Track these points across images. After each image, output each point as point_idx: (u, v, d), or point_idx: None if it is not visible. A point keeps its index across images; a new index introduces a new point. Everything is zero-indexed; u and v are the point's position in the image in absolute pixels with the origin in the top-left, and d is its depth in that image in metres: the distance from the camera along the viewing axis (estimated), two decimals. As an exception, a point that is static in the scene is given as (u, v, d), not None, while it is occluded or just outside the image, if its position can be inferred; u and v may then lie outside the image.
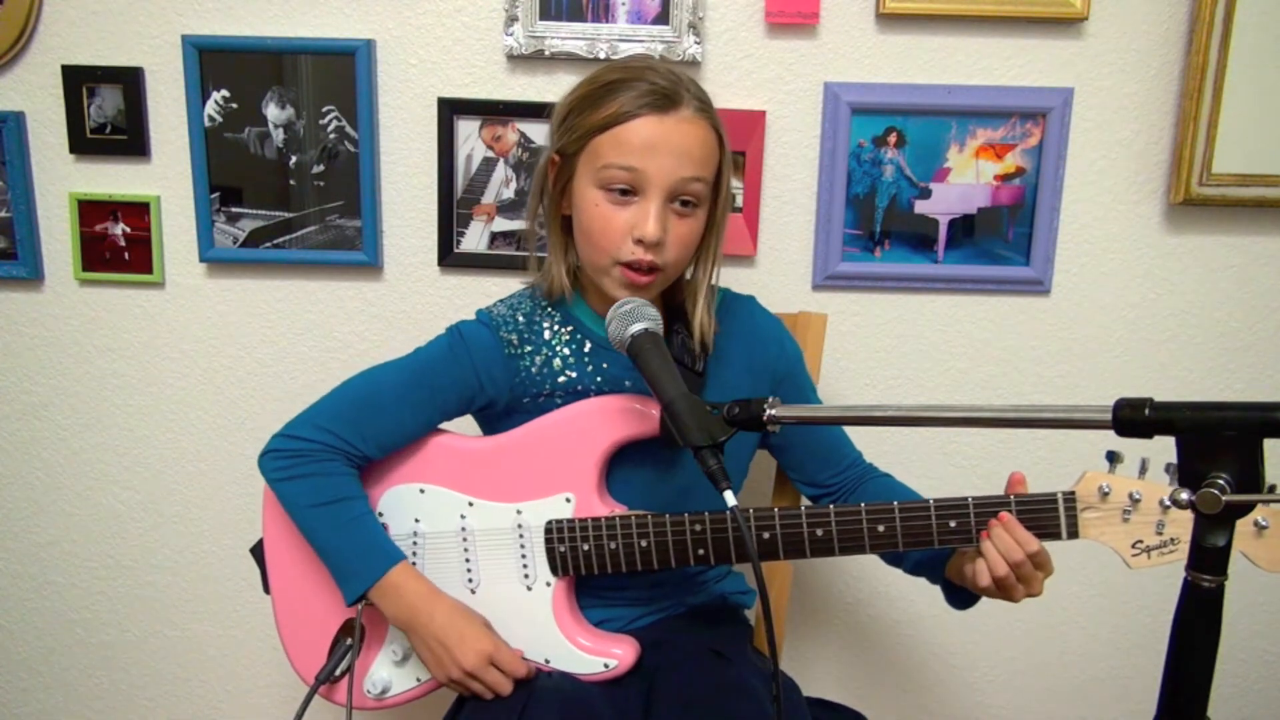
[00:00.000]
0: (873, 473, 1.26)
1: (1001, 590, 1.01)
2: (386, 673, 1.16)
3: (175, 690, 1.74)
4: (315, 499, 1.10)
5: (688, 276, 1.17)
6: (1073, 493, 1.00)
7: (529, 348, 1.15)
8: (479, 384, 1.14)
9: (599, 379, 1.15)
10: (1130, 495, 0.98)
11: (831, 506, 1.04)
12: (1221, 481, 0.66)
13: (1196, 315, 1.58)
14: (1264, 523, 0.94)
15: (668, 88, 1.05)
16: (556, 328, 1.16)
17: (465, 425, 1.21)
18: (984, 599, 1.07)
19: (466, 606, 1.12)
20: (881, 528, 1.03)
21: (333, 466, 1.11)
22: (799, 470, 1.26)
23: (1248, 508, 0.67)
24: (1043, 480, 1.02)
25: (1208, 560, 0.68)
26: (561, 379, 1.15)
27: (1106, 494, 0.98)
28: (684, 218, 1.08)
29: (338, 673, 1.15)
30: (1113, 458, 0.98)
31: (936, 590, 1.15)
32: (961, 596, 1.11)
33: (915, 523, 1.02)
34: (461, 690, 1.11)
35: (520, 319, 1.16)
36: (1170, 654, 0.71)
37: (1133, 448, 0.93)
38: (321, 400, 1.15)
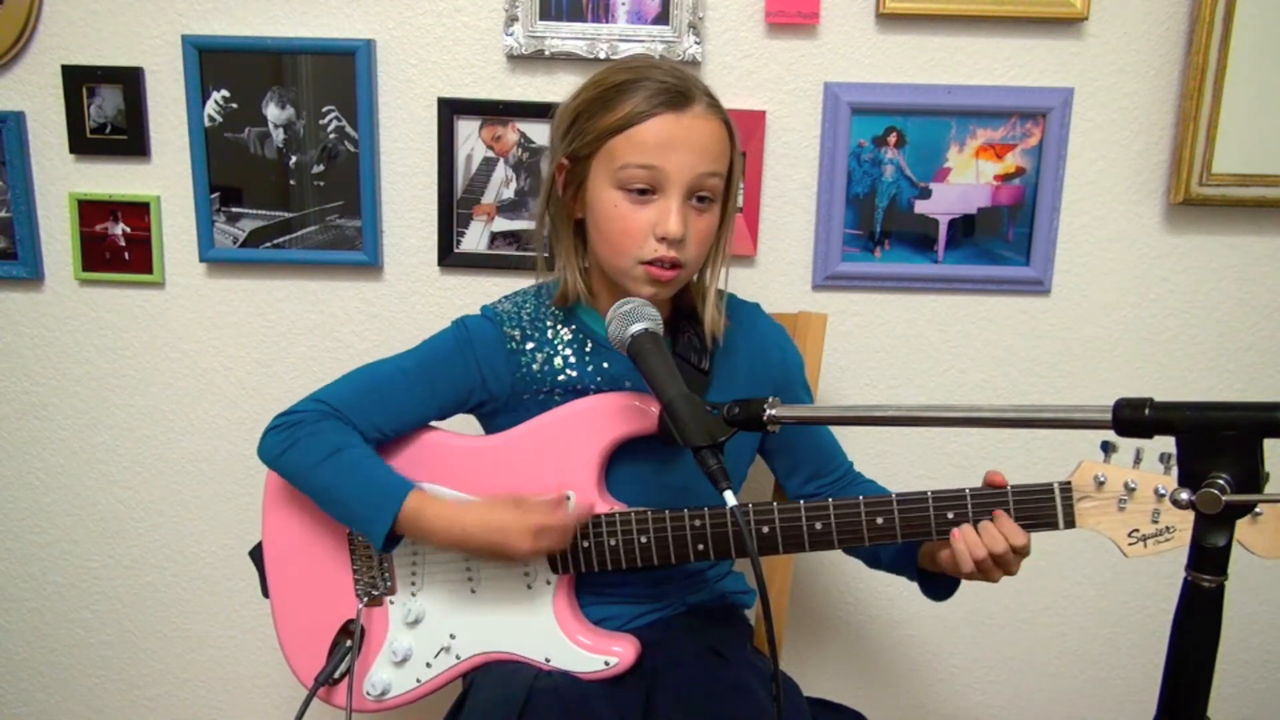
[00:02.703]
0: (859, 479, 1.27)
1: (980, 573, 1.02)
2: (386, 674, 1.16)
3: (175, 690, 1.74)
4: (316, 456, 1.09)
5: (694, 276, 1.17)
6: (1069, 483, 1.00)
7: (531, 345, 1.15)
8: (481, 378, 1.14)
9: (599, 378, 1.15)
10: (1126, 484, 0.98)
11: (830, 500, 1.05)
12: (1221, 481, 0.66)
13: (1196, 315, 1.58)
14: (1258, 510, 0.95)
15: (679, 85, 1.05)
16: (559, 327, 1.16)
17: (465, 424, 1.21)
18: (964, 588, 1.08)
19: (489, 499, 1.09)
20: (880, 520, 1.03)
21: (327, 424, 1.11)
22: (790, 477, 1.27)
23: (1248, 508, 0.67)
24: (1043, 481, 1.02)
25: (1208, 560, 0.68)
26: (562, 377, 1.15)
27: (1102, 483, 0.99)
28: (702, 213, 1.08)
29: (337, 675, 1.15)
30: (1107, 448, 0.98)
31: (936, 590, 1.15)
32: (937, 587, 1.12)
33: (913, 514, 1.03)
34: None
35: (524, 316, 1.17)
36: (1170, 654, 0.71)
37: (1127, 438, 0.93)
38: (322, 387, 1.16)
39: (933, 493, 1.03)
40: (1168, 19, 1.48)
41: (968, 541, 1.00)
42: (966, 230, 1.53)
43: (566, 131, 1.10)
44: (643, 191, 1.05)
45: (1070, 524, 1.01)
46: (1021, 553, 1.02)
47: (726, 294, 1.20)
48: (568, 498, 1.10)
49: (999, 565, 1.01)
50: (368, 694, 1.16)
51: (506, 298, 1.21)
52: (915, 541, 1.10)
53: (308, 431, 1.11)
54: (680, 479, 1.15)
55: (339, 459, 1.09)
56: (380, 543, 1.07)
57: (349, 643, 1.14)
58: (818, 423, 1.19)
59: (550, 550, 1.07)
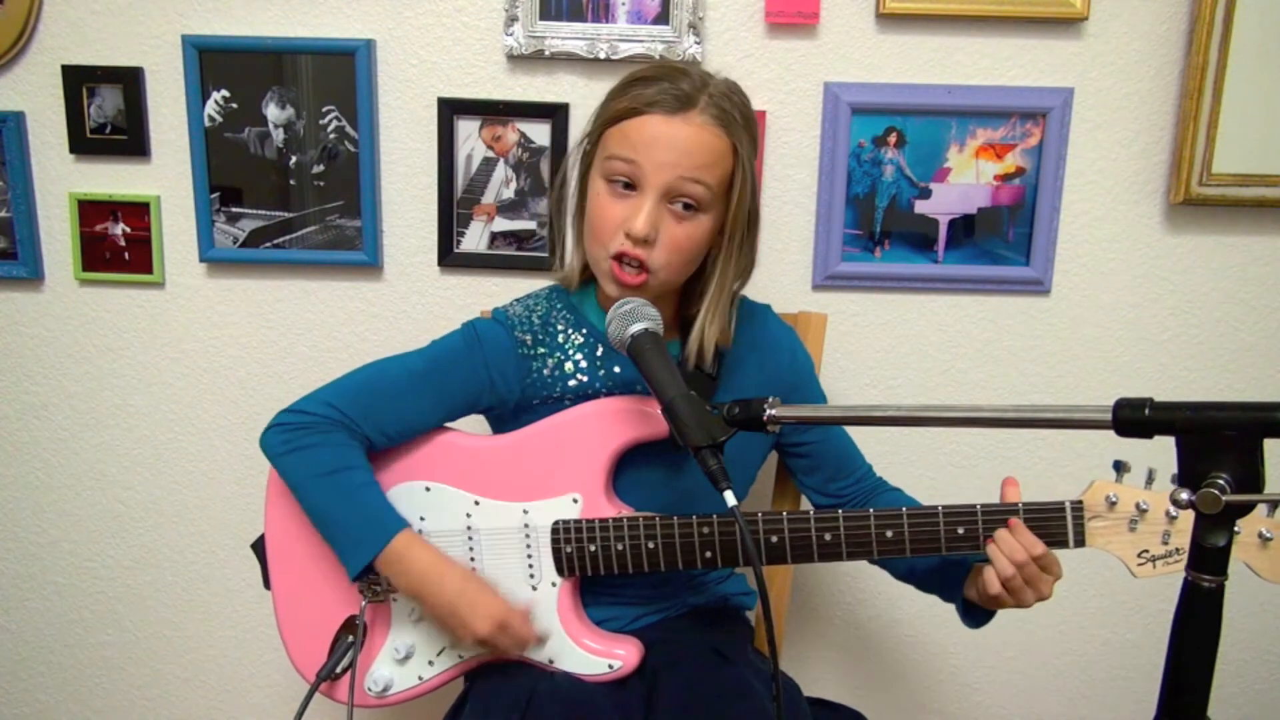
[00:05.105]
0: (884, 487, 1.26)
1: (1010, 594, 1.01)
2: (388, 670, 1.16)
3: (175, 690, 1.74)
4: (318, 469, 1.09)
5: (710, 285, 1.15)
6: (1080, 502, 1.00)
7: (542, 349, 1.15)
8: (490, 382, 1.14)
9: (610, 383, 1.15)
10: (1137, 505, 0.98)
11: (840, 511, 1.04)
12: (1221, 481, 0.66)
13: (1197, 315, 1.58)
14: (1268, 534, 0.94)
15: (687, 92, 1.04)
16: (570, 331, 1.16)
17: (472, 424, 1.21)
18: (999, 615, 1.07)
19: (475, 573, 1.11)
20: (889, 533, 1.03)
21: (336, 438, 1.10)
22: (811, 477, 1.25)
23: (1248, 508, 0.67)
24: (1043, 480, 1.02)
25: (1208, 560, 0.68)
26: (573, 382, 1.15)
27: (1114, 503, 0.98)
28: (682, 220, 1.07)
29: (339, 670, 1.15)
30: (1119, 467, 0.98)
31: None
32: (976, 615, 1.11)
33: (923, 529, 1.02)
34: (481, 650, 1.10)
35: (535, 320, 1.16)
36: (1170, 654, 0.71)
37: (1140, 456, 0.93)
38: (330, 383, 1.15)
39: (943, 507, 1.02)
40: (1168, 19, 1.48)
41: (1001, 545, 0.99)
42: (966, 230, 1.53)
43: (592, 118, 1.12)
44: (626, 186, 1.06)
45: (1080, 543, 1.00)
46: (1049, 569, 1.01)
47: (740, 299, 1.19)
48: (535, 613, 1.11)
49: (1029, 583, 1.00)
50: (370, 690, 1.16)
51: (517, 301, 1.20)
52: (955, 561, 1.10)
53: (314, 440, 1.10)
54: (688, 483, 1.15)
55: (339, 479, 1.09)
56: (355, 572, 1.08)
57: (351, 638, 1.14)
58: (817, 422, 1.19)
59: (499, 648, 1.08)
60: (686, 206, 1.06)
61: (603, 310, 1.16)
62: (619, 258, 1.06)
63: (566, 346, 1.15)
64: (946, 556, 1.07)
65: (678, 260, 1.09)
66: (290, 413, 1.13)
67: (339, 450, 1.10)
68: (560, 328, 1.16)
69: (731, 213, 1.10)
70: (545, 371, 1.14)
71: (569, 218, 1.17)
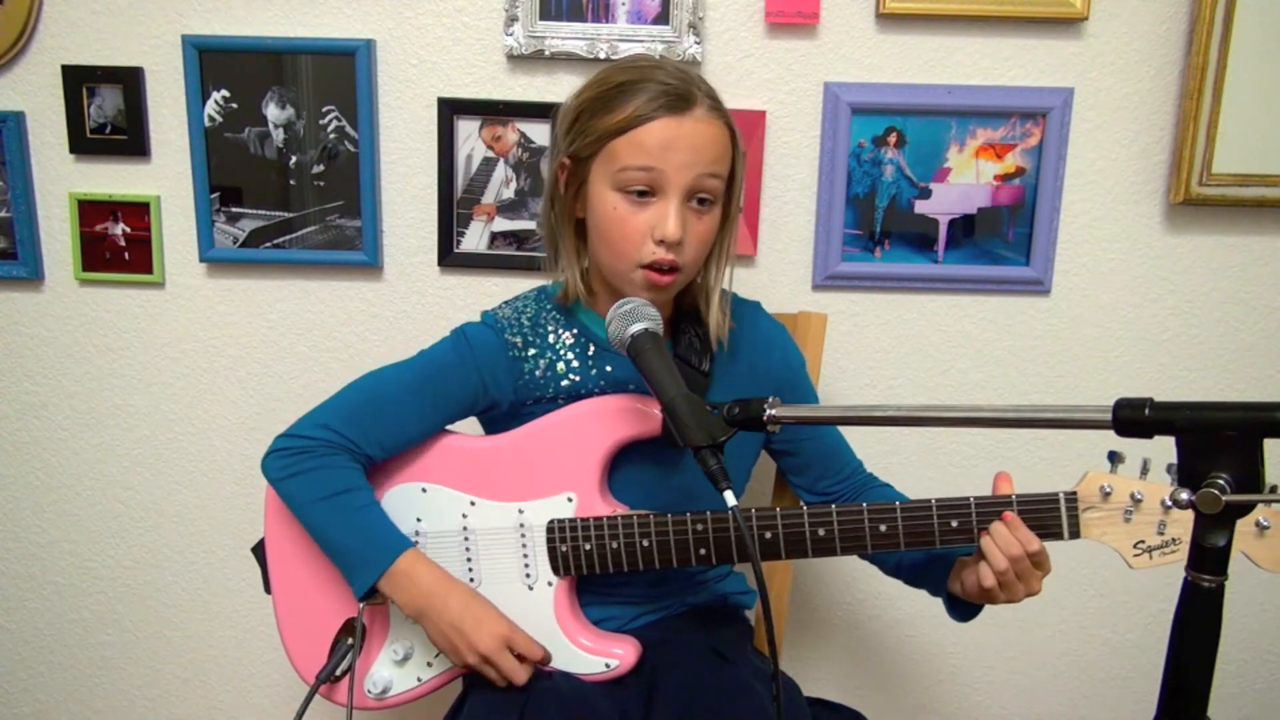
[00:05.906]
0: (874, 482, 1.26)
1: (1002, 589, 1.01)
2: (387, 672, 1.16)
3: (175, 690, 1.74)
4: (319, 493, 1.10)
5: (698, 279, 1.16)
6: (1074, 493, 1.00)
7: (533, 350, 1.15)
8: (483, 386, 1.14)
9: (602, 382, 1.15)
10: (1132, 495, 0.98)
11: (834, 506, 1.04)
12: (1221, 481, 0.66)
13: (1197, 315, 1.58)
14: (1265, 523, 0.95)
15: (681, 88, 1.04)
16: (561, 331, 1.16)
17: (468, 425, 1.21)
18: (985, 609, 1.07)
19: (478, 593, 1.11)
20: (883, 527, 1.03)
21: (335, 460, 1.11)
22: (801, 476, 1.26)
23: (1248, 508, 0.68)
24: (1043, 481, 1.02)
25: (1208, 560, 0.68)
26: (565, 383, 1.15)
27: (1108, 494, 0.98)
28: (702, 216, 1.08)
29: (338, 672, 1.15)
30: (1114, 458, 0.97)
31: (936, 591, 1.15)
32: (963, 609, 1.11)
33: (917, 522, 1.02)
34: (478, 672, 1.10)
35: (525, 321, 1.16)
36: (1170, 654, 0.71)
37: (1134, 448, 0.93)
38: (325, 402, 1.15)
39: (937, 500, 1.02)
40: (1168, 19, 1.48)
41: (997, 539, 0.99)
42: (966, 230, 1.53)
43: (568, 131, 1.10)
44: (642, 194, 1.05)
45: (1075, 534, 1.00)
46: (1041, 565, 1.01)
47: (730, 294, 1.19)
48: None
49: (1021, 578, 1.00)
50: (369, 692, 1.16)
51: (506, 303, 1.20)
52: (941, 555, 1.10)
53: (313, 464, 1.10)
54: (684, 481, 1.15)
55: (340, 502, 1.09)
56: (361, 592, 1.09)
57: (351, 640, 1.14)
58: (817, 422, 1.19)
59: (500, 670, 1.07)
60: (701, 201, 1.07)
61: (594, 312, 1.17)
62: (650, 265, 1.06)
63: (557, 346, 1.15)
64: (935, 551, 1.07)
65: (702, 255, 1.10)
66: (288, 437, 1.13)
67: (338, 473, 1.10)
68: (550, 328, 1.16)
69: (736, 197, 1.11)
70: (537, 373, 1.14)
71: (563, 237, 1.15)
